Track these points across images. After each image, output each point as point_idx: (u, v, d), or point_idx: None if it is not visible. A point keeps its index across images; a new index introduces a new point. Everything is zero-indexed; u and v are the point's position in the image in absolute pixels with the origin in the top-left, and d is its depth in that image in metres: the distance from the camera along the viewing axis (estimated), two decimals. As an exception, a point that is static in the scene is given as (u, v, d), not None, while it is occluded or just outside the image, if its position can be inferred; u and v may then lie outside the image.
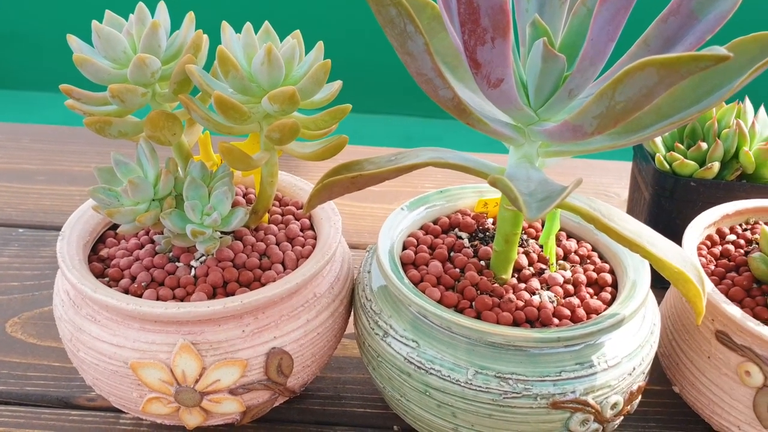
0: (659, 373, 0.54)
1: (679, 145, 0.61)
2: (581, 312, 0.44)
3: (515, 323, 0.43)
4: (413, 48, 0.36)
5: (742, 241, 0.53)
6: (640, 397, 0.45)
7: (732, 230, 0.55)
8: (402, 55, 0.37)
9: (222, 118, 0.43)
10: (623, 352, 0.43)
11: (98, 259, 0.48)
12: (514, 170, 0.41)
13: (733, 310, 0.45)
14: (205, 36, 0.47)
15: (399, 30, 0.35)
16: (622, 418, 0.45)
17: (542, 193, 0.36)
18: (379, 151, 0.86)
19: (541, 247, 0.48)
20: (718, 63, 0.29)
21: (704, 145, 0.60)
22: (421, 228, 0.52)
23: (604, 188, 0.81)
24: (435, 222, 0.52)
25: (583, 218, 0.42)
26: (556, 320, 0.43)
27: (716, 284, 0.49)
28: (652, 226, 0.64)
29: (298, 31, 0.46)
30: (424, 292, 0.44)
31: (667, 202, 0.62)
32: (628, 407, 0.44)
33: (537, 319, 0.43)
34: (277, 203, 0.53)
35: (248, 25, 0.43)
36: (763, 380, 0.45)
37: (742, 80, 0.35)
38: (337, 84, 0.47)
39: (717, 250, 0.53)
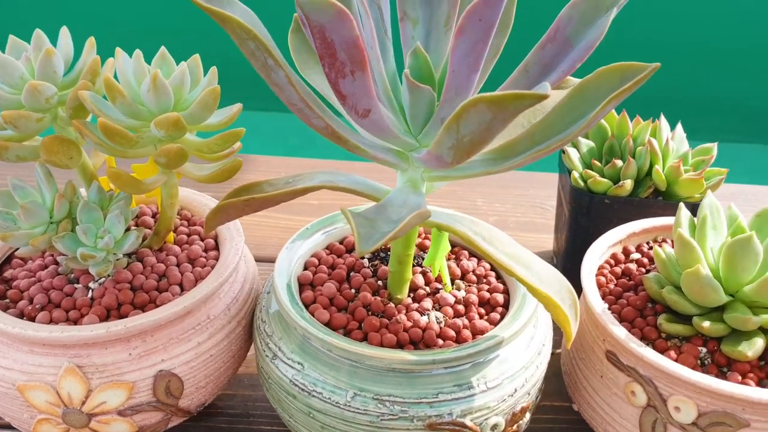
0: (566, 391, 0.54)
1: (596, 162, 0.62)
2: (467, 333, 0.45)
3: (399, 344, 0.44)
4: (278, 80, 0.37)
5: (645, 260, 0.54)
6: (528, 416, 0.46)
7: (638, 248, 0.56)
8: (270, 86, 0.38)
9: (111, 143, 0.44)
10: (505, 373, 0.44)
11: (2, 281, 0.49)
12: (394, 195, 0.42)
13: (619, 331, 0.46)
14: (111, 60, 0.48)
15: (261, 63, 0.36)
16: (508, 437, 0.45)
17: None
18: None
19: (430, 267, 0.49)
20: (540, 101, 0.29)
21: (619, 163, 0.61)
22: (327, 248, 0.52)
23: (540, 201, 0.82)
24: (341, 241, 0.53)
25: (464, 242, 0.43)
26: (440, 341, 0.44)
27: (612, 303, 0.50)
28: (571, 242, 0.65)
29: (196, 55, 0.47)
30: (314, 314, 0.45)
31: (584, 219, 0.63)
32: (514, 427, 0.45)
33: (421, 340, 0.44)
34: (185, 222, 0.54)
35: (138, 52, 0.44)
36: (647, 400, 0.45)
37: (598, 110, 0.36)
38: (237, 107, 0.48)
39: (619, 269, 0.54)
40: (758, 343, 0.45)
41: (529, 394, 0.45)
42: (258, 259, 0.58)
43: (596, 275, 0.53)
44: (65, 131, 0.47)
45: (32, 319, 0.45)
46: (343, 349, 0.42)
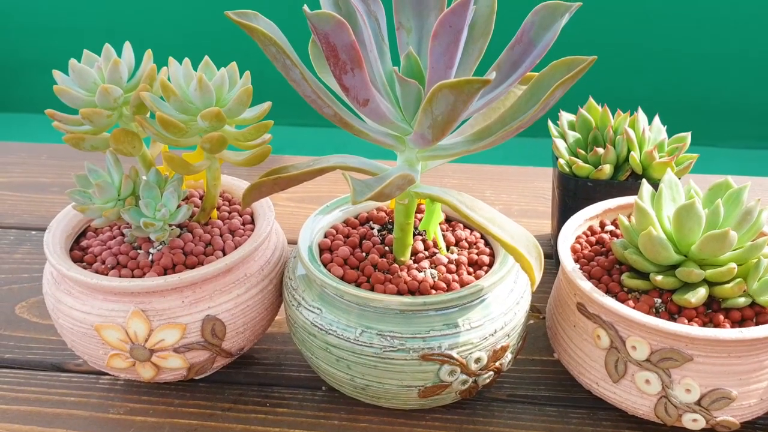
0: (550, 346, 0.63)
1: (581, 151, 0.71)
2: (456, 285, 0.54)
3: (399, 294, 0.53)
4: (294, 76, 0.47)
5: (618, 231, 0.63)
6: (510, 355, 0.55)
7: (613, 222, 0.65)
8: (290, 82, 0.48)
9: (166, 133, 0.54)
10: (487, 316, 0.53)
11: (79, 249, 0.60)
12: (392, 170, 0.52)
13: (585, 284, 0.55)
14: (165, 68, 0.59)
15: (281, 63, 0.46)
16: (492, 373, 0.54)
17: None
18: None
19: (424, 232, 0.59)
20: (484, 85, 0.39)
21: (600, 151, 0.70)
22: (344, 222, 0.62)
23: (543, 192, 0.91)
24: (356, 217, 0.63)
25: (451, 209, 0.52)
26: (433, 291, 0.54)
27: (584, 265, 0.59)
28: (562, 223, 0.74)
29: (234, 62, 0.58)
30: (330, 271, 0.55)
31: (571, 201, 0.71)
32: (497, 363, 0.54)
33: (417, 291, 0.54)
34: (227, 203, 0.64)
35: (186, 60, 0.55)
36: (610, 343, 0.54)
37: (549, 93, 0.45)
38: (267, 104, 0.58)
39: (594, 238, 0.62)
40: (701, 292, 0.53)
41: (508, 336, 0.54)
42: (291, 242, 0.69)
43: (573, 243, 0.62)
44: (129, 126, 0.58)
45: (104, 275, 0.55)
46: (353, 295, 0.52)
